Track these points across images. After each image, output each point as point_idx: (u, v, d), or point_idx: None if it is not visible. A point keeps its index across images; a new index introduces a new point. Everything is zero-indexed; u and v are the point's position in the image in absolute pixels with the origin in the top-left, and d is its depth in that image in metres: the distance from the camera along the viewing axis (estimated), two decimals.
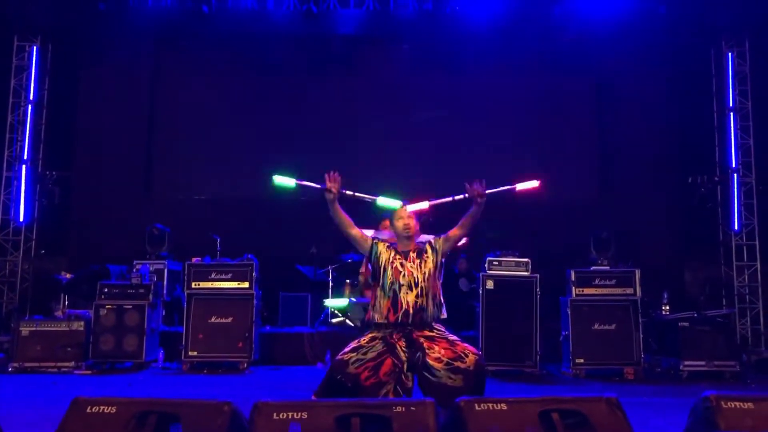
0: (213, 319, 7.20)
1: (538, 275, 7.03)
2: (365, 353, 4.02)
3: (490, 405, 2.95)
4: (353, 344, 4.12)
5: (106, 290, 7.34)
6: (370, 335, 4.14)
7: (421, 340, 4.06)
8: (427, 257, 4.26)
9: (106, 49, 10.17)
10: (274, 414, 2.87)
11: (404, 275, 4.18)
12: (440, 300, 4.25)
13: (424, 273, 4.20)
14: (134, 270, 7.72)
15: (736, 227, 9.51)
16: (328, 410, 2.91)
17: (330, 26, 10.02)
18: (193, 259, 7.49)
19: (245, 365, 7.12)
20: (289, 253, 8.95)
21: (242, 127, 10.09)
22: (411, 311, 4.11)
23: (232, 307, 7.24)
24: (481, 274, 7.12)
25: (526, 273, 7.12)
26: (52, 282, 8.32)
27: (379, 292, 4.21)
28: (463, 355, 4.00)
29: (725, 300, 9.29)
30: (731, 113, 9.69)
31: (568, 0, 9.52)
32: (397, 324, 4.10)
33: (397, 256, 4.25)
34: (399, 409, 2.91)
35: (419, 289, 4.16)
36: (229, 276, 7.33)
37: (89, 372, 7.04)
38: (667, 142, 9.98)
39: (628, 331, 7.03)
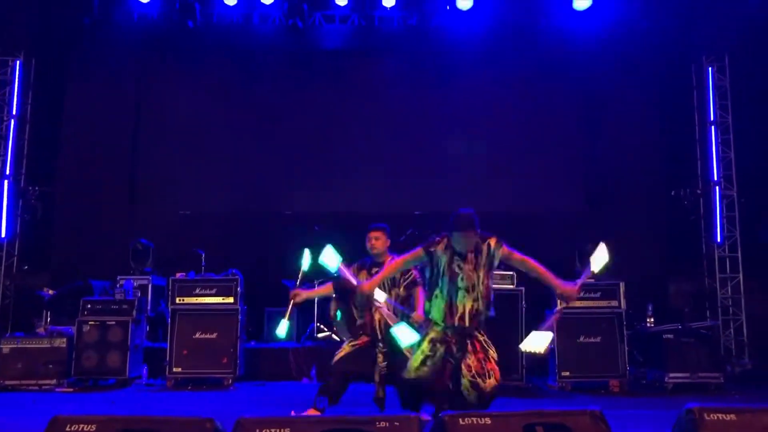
0: (197, 335, 7.16)
1: (523, 288, 7.05)
2: (435, 362, 4.11)
3: (474, 419, 2.95)
4: (420, 356, 4.16)
5: (89, 306, 7.29)
6: (428, 339, 4.19)
7: (468, 345, 4.11)
8: (482, 258, 4.23)
9: (91, 64, 10.14)
10: (257, 430, 2.86)
11: (462, 278, 4.19)
12: (491, 300, 4.28)
13: (479, 277, 4.20)
14: (118, 285, 7.67)
15: (718, 239, 9.58)
16: (311, 426, 2.90)
17: (315, 41, 10.07)
18: (178, 274, 7.46)
19: (230, 381, 7.07)
20: (274, 268, 8.91)
21: (228, 142, 10.07)
22: (467, 316, 4.14)
23: (217, 322, 7.21)
24: None
25: (511, 286, 7.15)
26: (34, 298, 8.23)
27: (438, 293, 4.22)
28: (487, 374, 4.05)
29: (709, 312, 9.32)
30: (712, 127, 9.79)
31: (551, 15, 9.62)
32: (454, 327, 4.14)
33: (455, 257, 4.23)
34: (383, 424, 2.91)
35: (476, 293, 4.18)
36: (214, 291, 7.30)
37: (71, 389, 6.97)
38: (650, 155, 10.06)
39: (613, 343, 7.07)
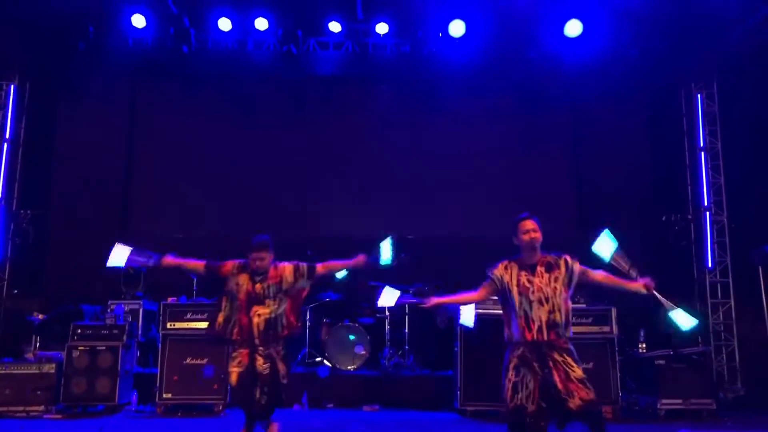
0: (188, 360, 7.11)
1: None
2: (527, 386, 4.14)
3: None
4: (509, 384, 4.20)
5: (79, 331, 7.23)
6: (512, 365, 4.23)
7: (549, 362, 4.15)
8: (559, 274, 4.28)
9: (85, 88, 10.18)
10: None
11: (533, 291, 4.23)
12: (570, 318, 4.29)
13: (555, 289, 4.23)
14: (109, 310, 7.62)
15: (709, 265, 9.63)
16: None
17: (309, 67, 10.15)
18: (169, 299, 7.42)
19: (220, 407, 7.01)
20: None
21: (220, 166, 10.10)
22: (545, 327, 4.17)
23: (208, 348, 7.14)
24: (458, 312, 7.10)
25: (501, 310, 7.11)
26: (23, 323, 8.17)
27: (511, 313, 4.29)
28: (570, 394, 4.07)
29: (701, 337, 9.33)
30: (702, 153, 9.89)
31: (543, 42, 9.74)
32: (533, 342, 4.17)
33: (523, 272, 4.29)
34: None
35: (551, 304, 4.21)
36: (205, 316, 7.21)
37: (60, 416, 6.89)
38: (641, 180, 10.12)
39: (606, 369, 7.05)
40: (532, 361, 4.16)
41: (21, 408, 6.91)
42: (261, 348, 4.93)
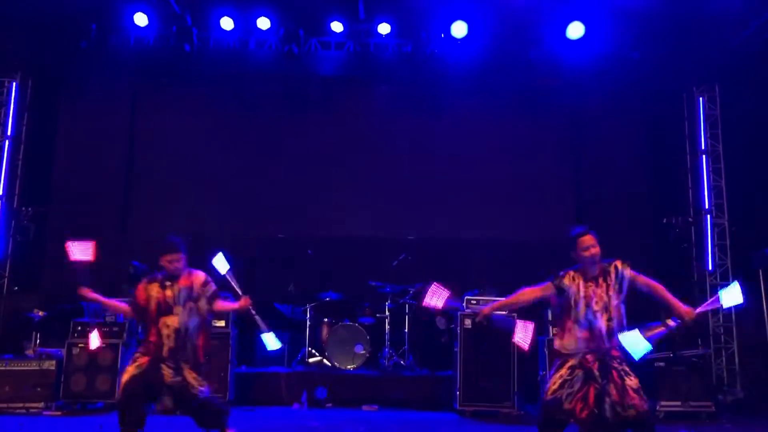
0: None
1: (515, 314, 7.04)
2: (572, 385, 4.20)
3: None
4: (558, 380, 4.25)
5: (79, 328, 7.25)
6: (567, 365, 4.28)
7: (611, 372, 4.19)
8: (610, 281, 4.37)
9: (87, 86, 10.17)
10: None
11: (596, 301, 4.32)
12: (623, 322, 4.34)
13: (610, 297, 4.33)
14: None
15: (710, 267, 9.62)
16: None
17: (311, 67, 10.14)
18: None
19: None
20: (266, 291, 8.89)
21: (222, 165, 10.10)
22: (606, 335, 4.25)
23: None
24: (459, 313, 7.13)
25: (503, 312, 7.12)
26: (24, 320, 8.17)
27: (571, 324, 4.34)
28: (626, 405, 4.10)
29: (700, 340, 9.32)
30: (703, 156, 9.90)
31: (545, 44, 9.74)
32: (596, 350, 4.25)
33: (588, 283, 4.38)
34: None
35: (609, 313, 4.31)
36: None
37: (59, 413, 6.90)
38: (642, 182, 10.11)
39: None
40: (592, 367, 4.21)
41: (21, 405, 6.92)
42: (169, 361, 4.77)
